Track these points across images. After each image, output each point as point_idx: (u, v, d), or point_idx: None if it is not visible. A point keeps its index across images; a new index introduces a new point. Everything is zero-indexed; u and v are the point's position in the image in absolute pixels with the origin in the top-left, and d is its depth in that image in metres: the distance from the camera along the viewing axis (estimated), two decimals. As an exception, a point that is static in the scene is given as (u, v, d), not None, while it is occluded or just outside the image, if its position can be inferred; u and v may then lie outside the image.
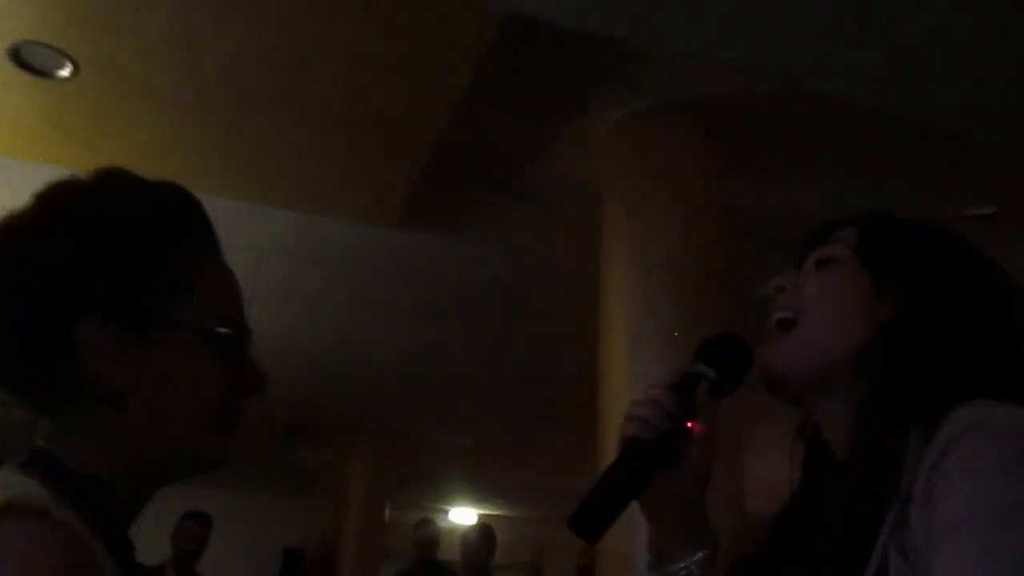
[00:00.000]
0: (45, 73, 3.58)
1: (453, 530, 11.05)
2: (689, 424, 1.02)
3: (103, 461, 0.84)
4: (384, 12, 3.25)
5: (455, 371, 7.24)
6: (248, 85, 3.64)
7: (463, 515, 12.64)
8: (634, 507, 1.01)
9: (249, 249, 4.88)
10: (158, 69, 3.55)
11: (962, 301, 0.99)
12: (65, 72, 3.56)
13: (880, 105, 3.61)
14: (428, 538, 6.11)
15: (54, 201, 0.87)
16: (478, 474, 11.05)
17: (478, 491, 12.20)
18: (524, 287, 5.48)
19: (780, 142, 4.13)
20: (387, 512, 9.44)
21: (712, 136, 3.99)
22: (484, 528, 5.79)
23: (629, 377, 3.59)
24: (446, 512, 12.59)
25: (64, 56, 3.48)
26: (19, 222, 0.86)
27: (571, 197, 4.61)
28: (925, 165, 4.27)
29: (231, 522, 6.33)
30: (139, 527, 0.87)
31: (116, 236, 0.85)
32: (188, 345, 0.86)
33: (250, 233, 4.71)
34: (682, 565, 0.99)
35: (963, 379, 0.93)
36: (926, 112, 3.60)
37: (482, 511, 12.79)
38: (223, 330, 0.89)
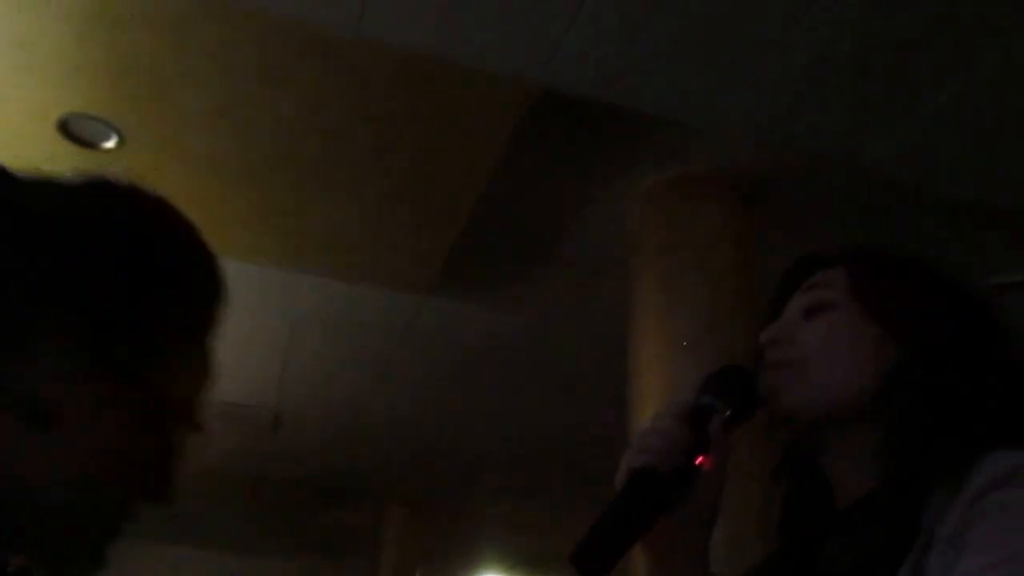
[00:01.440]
0: (92, 144, 3.70)
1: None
2: (699, 459, 0.95)
3: None
4: (420, 82, 3.33)
5: (489, 437, 7.23)
6: (287, 155, 3.73)
7: (495, 583, 12.47)
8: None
9: (282, 315, 4.96)
10: (199, 140, 3.66)
11: (968, 338, 0.97)
12: (111, 143, 3.69)
13: (908, 177, 3.63)
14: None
15: (98, 201, 0.83)
16: (512, 541, 10.93)
17: (512, 558, 12.05)
18: (556, 354, 5.49)
19: (809, 210, 4.15)
20: (419, 577, 9.36)
21: (741, 204, 4.01)
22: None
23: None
24: (478, 580, 12.44)
25: (111, 127, 3.60)
26: (51, 204, 0.81)
27: (603, 264, 4.64)
28: (953, 232, 4.27)
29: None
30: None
31: (137, 264, 0.81)
32: (135, 404, 0.80)
33: (283, 300, 4.78)
34: None
35: (983, 422, 0.91)
36: (952, 180, 3.62)
37: (514, 578, 12.61)
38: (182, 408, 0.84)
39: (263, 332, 5.22)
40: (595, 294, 4.82)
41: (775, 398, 1.00)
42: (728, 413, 0.98)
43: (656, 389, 3.73)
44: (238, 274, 4.56)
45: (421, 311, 5.01)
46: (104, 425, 0.78)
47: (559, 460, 7.41)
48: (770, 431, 1.04)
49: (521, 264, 4.79)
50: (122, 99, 3.46)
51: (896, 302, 1.01)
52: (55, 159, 3.78)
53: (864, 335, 0.99)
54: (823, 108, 3.26)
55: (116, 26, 3.11)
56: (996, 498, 0.81)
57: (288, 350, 5.57)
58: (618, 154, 3.93)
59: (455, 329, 5.27)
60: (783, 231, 4.22)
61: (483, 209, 4.05)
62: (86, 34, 3.14)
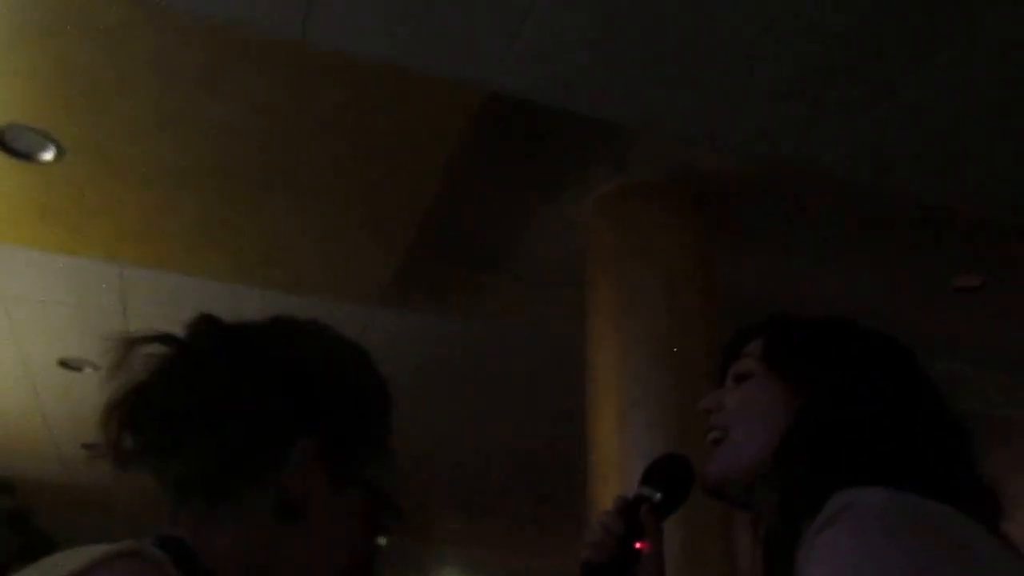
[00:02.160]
0: (29, 156, 3.58)
1: (443, 615, 10.82)
2: (638, 545, 1.10)
3: (236, 564, 0.87)
4: (367, 91, 3.27)
5: (441, 450, 7.15)
6: (230, 166, 3.64)
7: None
8: None
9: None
10: (141, 151, 3.56)
11: (859, 393, 1.06)
12: (49, 155, 3.57)
13: (864, 179, 3.64)
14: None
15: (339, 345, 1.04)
16: (468, 557, 10.85)
17: (469, 573, 11.96)
18: (510, 364, 5.44)
19: (766, 216, 4.15)
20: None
21: (697, 211, 4.01)
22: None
23: (618, 452, 3.53)
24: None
25: (49, 139, 3.49)
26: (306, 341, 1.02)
27: (556, 272, 4.61)
28: (913, 239, 4.30)
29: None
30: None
31: (366, 387, 1.02)
32: (358, 502, 0.97)
33: (226, 314, 4.66)
34: None
35: (850, 468, 0.98)
36: (909, 182, 3.63)
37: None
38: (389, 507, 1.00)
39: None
40: (548, 303, 4.78)
41: (704, 473, 1.14)
42: (658, 498, 1.14)
43: (613, 398, 3.69)
44: (181, 287, 4.48)
45: (370, 324, 4.93)
46: (340, 521, 0.94)
47: (515, 474, 7.35)
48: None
49: (472, 273, 4.74)
50: (62, 109, 3.35)
51: (799, 359, 1.12)
52: (-9, 172, 3.66)
53: (775, 397, 1.11)
54: (776, 111, 3.25)
55: (52, 34, 3.01)
56: (823, 538, 0.88)
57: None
58: (570, 161, 3.90)
59: (405, 341, 5.20)
60: (740, 236, 4.22)
61: (432, 217, 3.99)
62: (17, 42, 3.03)
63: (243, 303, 4.61)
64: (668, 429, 3.45)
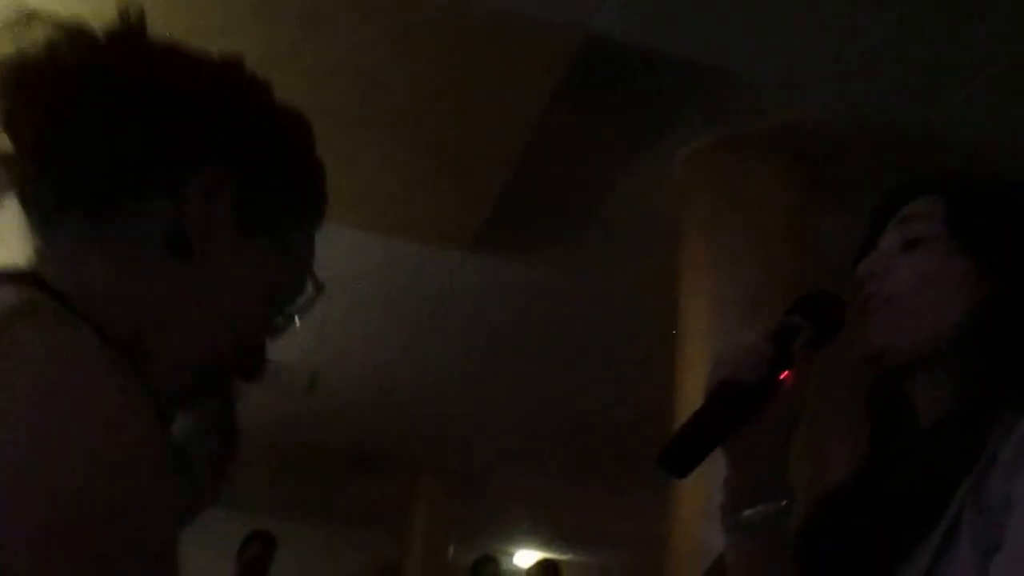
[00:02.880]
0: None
1: (516, 574, 10.90)
2: (783, 375, 1.00)
3: (110, 301, 0.76)
4: (463, 33, 3.26)
5: (523, 405, 7.17)
6: (326, 107, 3.65)
7: (528, 558, 12.45)
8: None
9: (319, 270, 4.90)
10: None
11: None
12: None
13: (968, 134, 3.51)
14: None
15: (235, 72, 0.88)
16: (545, 516, 10.89)
17: (544, 533, 12.03)
18: (598, 319, 5.41)
19: (863, 171, 4.02)
20: (451, 550, 9.33)
21: (793, 165, 3.90)
22: (549, 567, 5.67)
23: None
24: (511, 555, 12.42)
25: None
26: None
27: (648, 226, 4.55)
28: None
29: (288, 552, 6.30)
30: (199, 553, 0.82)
31: (301, 132, 0.90)
32: (269, 256, 0.84)
33: (320, 254, 4.72)
34: (759, 510, 0.99)
35: None
36: (1018, 142, 3.49)
37: (547, 555, 12.59)
38: (308, 288, 0.88)
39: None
40: (640, 256, 4.72)
41: (866, 336, 1.02)
42: (812, 333, 1.02)
43: (704, 356, 3.64)
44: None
45: (459, 271, 4.94)
46: (240, 269, 0.81)
47: (600, 433, 7.33)
48: (856, 364, 1.05)
49: (563, 224, 4.70)
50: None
51: (993, 237, 1.00)
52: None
53: (958, 271, 1.00)
54: (886, 67, 3.13)
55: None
56: None
57: (323, 308, 5.52)
58: (665, 112, 3.83)
59: (493, 291, 5.20)
60: (836, 193, 4.09)
61: (525, 166, 3.97)
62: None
63: (334, 243, 4.66)
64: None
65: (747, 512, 0.99)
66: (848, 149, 3.87)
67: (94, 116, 0.77)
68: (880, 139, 3.74)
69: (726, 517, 1.01)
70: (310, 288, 0.90)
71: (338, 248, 4.78)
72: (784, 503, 0.99)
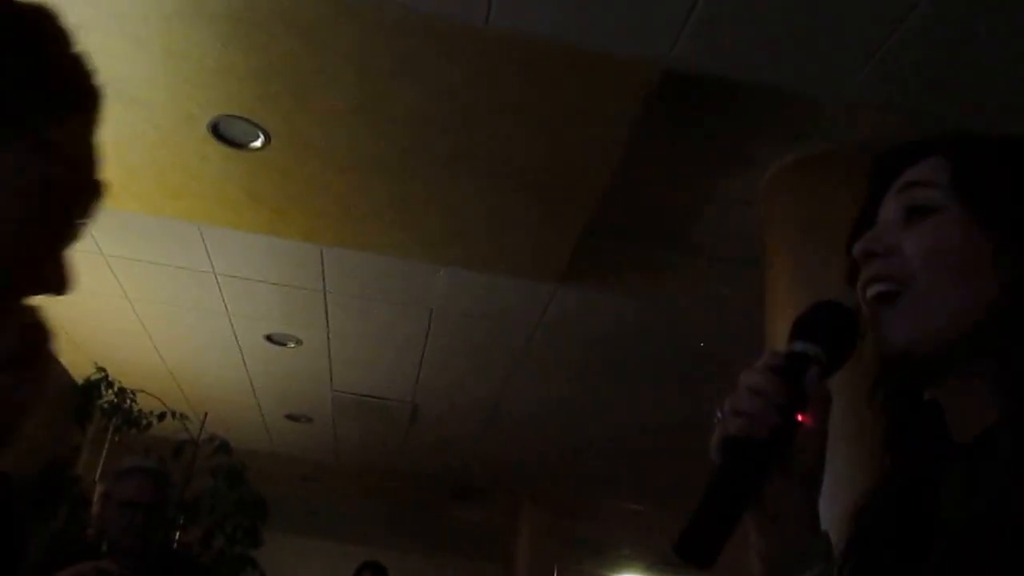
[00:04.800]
0: (241, 145, 3.91)
1: (622, 599, 10.87)
2: (800, 416, 0.85)
3: None
4: (547, 72, 3.38)
5: (624, 431, 7.21)
6: (419, 149, 3.85)
7: (633, 584, 12.39)
8: None
9: (420, 306, 5.10)
10: (339, 137, 3.82)
11: None
12: (258, 143, 3.88)
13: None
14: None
15: None
16: (650, 540, 10.85)
17: (647, 558, 11.97)
18: (688, 341, 5.46)
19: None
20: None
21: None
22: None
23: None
24: (616, 582, 12.38)
25: (258, 128, 3.79)
26: None
27: (734, 249, 4.60)
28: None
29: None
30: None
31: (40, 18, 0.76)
32: (24, 167, 0.73)
33: (421, 291, 4.92)
34: None
35: None
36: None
37: (652, 581, 12.51)
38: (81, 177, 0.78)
39: (401, 323, 5.38)
40: (727, 280, 4.77)
41: (882, 336, 0.88)
42: (825, 359, 0.87)
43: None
44: (377, 266, 4.74)
45: (554, 299, 5.05)
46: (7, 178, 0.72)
47: (698, 456, 7.30)
48: (879, 371, 0.91)
49: (650, 250, 4.79)
50: (267, 101, 3.64)
51: (1009, 200, 0.85)
52: (207, 160, 4.01)
53: (972, 241, 0.84)
54: (957, 77, 3.14)
55: (259, 30, 3.28)
56: None
57: (426, 342, 5.72)
58: (746, 135, 3.89)
59: (587, 318, 5.30)
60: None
61: (611, 195, 4.07)
62: (231, 39, 3.32)
63: (432, 279, 4.86)
64: (845, 404, 3.40)
65: None
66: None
67: None
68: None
69: None
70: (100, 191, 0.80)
71: (437, 285, 4.98)
72: (823, 567, 0.84)
